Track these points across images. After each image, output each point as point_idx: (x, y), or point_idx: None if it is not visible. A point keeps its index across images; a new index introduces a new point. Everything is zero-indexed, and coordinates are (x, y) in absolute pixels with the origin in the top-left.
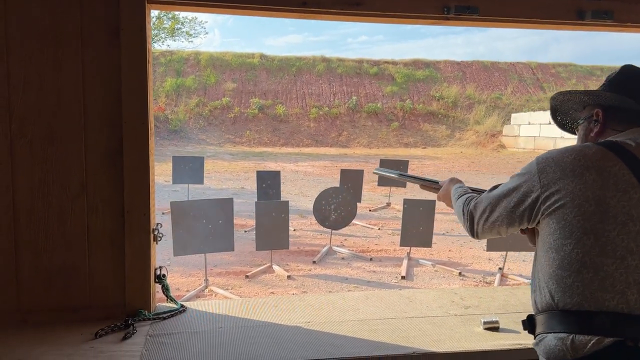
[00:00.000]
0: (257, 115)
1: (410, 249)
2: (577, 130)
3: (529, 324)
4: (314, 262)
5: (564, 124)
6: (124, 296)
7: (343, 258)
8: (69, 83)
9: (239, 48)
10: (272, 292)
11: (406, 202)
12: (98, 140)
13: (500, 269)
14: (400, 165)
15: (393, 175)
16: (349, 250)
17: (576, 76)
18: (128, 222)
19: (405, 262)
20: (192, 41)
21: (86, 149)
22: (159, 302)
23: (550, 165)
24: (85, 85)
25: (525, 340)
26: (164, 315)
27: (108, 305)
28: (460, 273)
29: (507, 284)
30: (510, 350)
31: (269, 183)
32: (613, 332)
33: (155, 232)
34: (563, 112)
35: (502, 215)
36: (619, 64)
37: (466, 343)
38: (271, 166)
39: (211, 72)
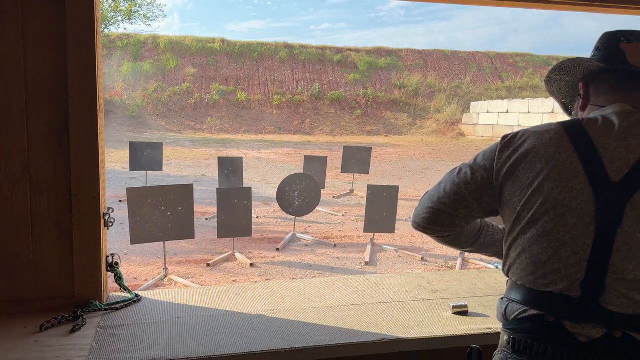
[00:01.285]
0: (218, 102)
1: (374, 235)
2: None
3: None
4: (278, 249)
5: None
6: (73, 286)
7: (307, 245)
8: (9, 55)
9: (199, 33)
10: (235, 280)
11: (370, 188)
12: (42, 117)
13: (461, 253)
14: (363, 152)
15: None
16: (312, 237)
17: (533, 66)
18: (76, 206)
19: (368, 248)
20: (150, 25)
21: (28, 127)
22: (112, 292)
23: (509, 149)
24: (27, 57)
25: (495, 324)
26: (117, 306)
27: (55, 296)
28: (422, 258)
29: (469, 268)
30: (480, 335)
31: (231, 169)
32: (537, 306)
33: (107, 217)
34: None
35: (455, 188)
36: (574, 54)
37: (435, 328)
38: (233, 153)
39: (170, 56)
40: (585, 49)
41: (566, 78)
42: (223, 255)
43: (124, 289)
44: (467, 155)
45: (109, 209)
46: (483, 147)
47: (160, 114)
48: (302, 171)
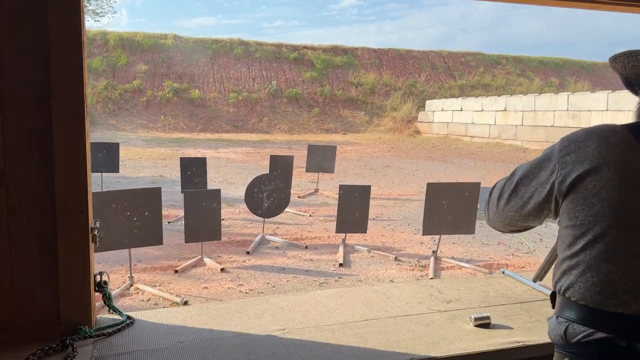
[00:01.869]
0: (171, 100)
1: (345, 236)
2: None
3: (552, 299)
4: (248, 252)
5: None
6: (58, 310)
7: (277, 247)
8: None
9: (148, 29)
10: (206, 287)
11: (342, 188)
12: (19, 120)
13: (434, 252)
14: (328, 151)
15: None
16: (282, 238)
17: (484, 64)
18: (61, 221)
19: (341, 248)
20: (99, 20)
21: (3, 130)
22: (98, 314)
23: (571, 153)
24: (4, 51)
25: (521, 337)
26: (109, 331)
27: (39, 323)
28: (396, 258)
29: (441, 267)
30: (509, 349)
31: (194, 170)
32: (606, 329)
33: (95, 232)
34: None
35: (516, 204)
36: (520, 52)
37: (462, 344)
38: (190, 153)
39: (121, 53)
40: (529, 48)
41: (636, 63)
42: (191, 261)
43: (114, 310)
44: (423, 152)
45: (95, 221)
46: (439, 144)
47: (111, 113)
48: (263, 171)
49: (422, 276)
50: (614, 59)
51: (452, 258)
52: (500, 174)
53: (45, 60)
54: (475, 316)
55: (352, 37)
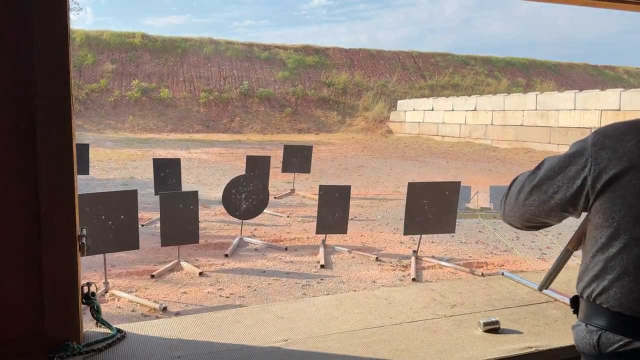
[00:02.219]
0: (140, 99)
1: (325, 236)
2: None
3: (574, 305)
4: (226, 255)
5: None
6: (43, 325)
7: (256, 249)
8: None
9: (115, 28)
10: (185, 292)
11: (322, 188)
12: (2, 121)
13: (414, 251)
14: (304, 151)
15: None
16: (261, 240)
17: (453, 65)
18: (46, 228)
19: (321, 250)
20: None
21: None
22: (86, 329)
23: (607, 148)
24: None
25: (532, 341)
26: (99, 346)
27: (22, 338)
28: (377, 258)
29: (422, 267)
30: (522, 355)
31: (167, 172)
32: None
33: (83, 240)
34: None
35: (539, 199)
36: (486, 53)
37: (474, 351)
38: (161, 153)
39: (87, 52)
40: (495, 48)
41: None
42: (167, 265)
43: (103, 323)
44: (396, 152)
45: (82, 229)
46: (411, 144)
47: (77, 113)
48: (237, 171)
49: (404, 276)
50: None
51: (433, 257)
52: (472, 172)
53: (28, 57)
54: (484, 321)
55: (323, 37)
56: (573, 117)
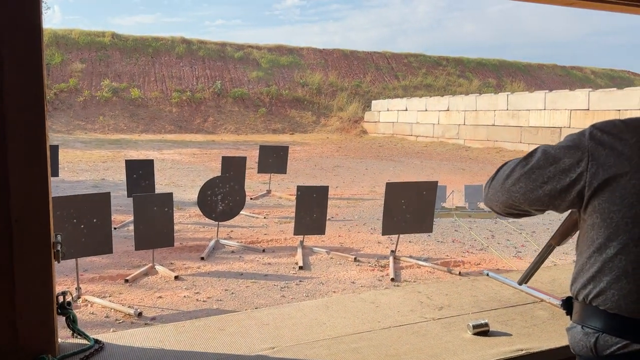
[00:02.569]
0: (111, 99)
1: (303, 237)
2: None
3: (567, 306)
4: (202, 258)
5: None
6: (16, 337)
7: (233, 251)
8: None
9: (83, 26)
10: (160, 297)
11: (299, 189)
12: None
13: (392, 251)
14: (280, 152)
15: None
16: (238, 242)
17: (425, 65)
18: (18, 235)
19: (299, 251)
20: None
21: None
22: (61, 339)
23: (605, 145)
24: None
25: (522, 343)
26: (76, 358)
27: None
28: (355, 258)
29: (400, 267)
30: (514, 357)
31: (140, 173)
32: None
33: (58, 247)
34: None
35: (526, 187)
36: (457, 54)
37: (465, 355)
38: (133, 154)
39: (55, 51)
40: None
41: None
42: (142, 269)
43: (80, 334)
44: (371, 152)
45: (57, 235)
46: (385, 144)
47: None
48: (211, 172)
49: (383, 276)
50: None
51: (411, 257)
52: (446, 172)
53: None
54: (473, 323)
55: (296, 37)
56: (543, 116)
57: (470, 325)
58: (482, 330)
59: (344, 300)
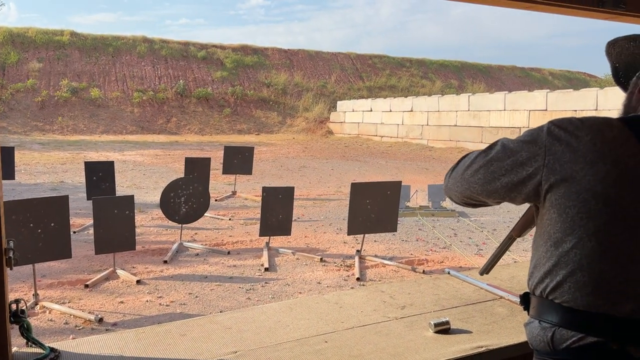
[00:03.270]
0: (70, 100)
1: (269, 239)
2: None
3: (524, 301)
4: (165, 261)
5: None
6: None
7: (197, 254)
8: None
9: (41, 25)
10: (122, 302)
11: (265, 190)
12: None
13: (358, 251)
14: (245, 152)
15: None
16: (202, 245)
17: (389, 67)
18: None
19: (265, 252)
20: None
21: None
22: (16, 348)
23: (561, 141)
24: None
25: (482, 340)
26: None
27: None
28: (321, 259)
29: (366, 266)
30: (474, 355)
31: (100, 175)
32: (597, 332)
33: (10, 254)
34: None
35: (484, 178)
36: (421, 55)
37: (427, 353)
38: (93, 156)
39: (10, 49)
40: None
41: (635, 51)
42: (102, 274)
43: (35, 343)
44: (337, 152)
45: (9, 241)
46: (351, 144)
47: (1, 114)
48: (175, 174)
49: (348, 276)
50: (613, 44)
51: (376, 256)
52: (411, 171)
53: None
54: (435, 322)
55: (261, 37)
56: (503, 117)
57: (432, 323)
58: (444, 328)
59: (307, 301)
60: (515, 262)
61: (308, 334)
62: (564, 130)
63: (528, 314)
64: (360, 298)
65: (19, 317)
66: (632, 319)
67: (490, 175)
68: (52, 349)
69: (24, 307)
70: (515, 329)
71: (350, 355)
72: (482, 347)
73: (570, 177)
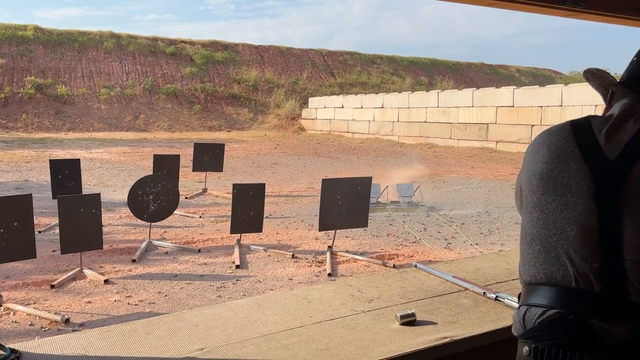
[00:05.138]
0: (34, 96)
1: (240, 236)
2: None
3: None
4: (134, 260)
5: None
6: None
7: (167, 252)
8: None
9: (3, 19)
10: (89, 302)
11: (236, 187)
12: None
13: (329, 247)
14: (216, 149)
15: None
16: (172, 243)
17: (360, 63)
18: None
19: (236, 249)
20: None
21: None
22: None
23: (530, 146)
24: None
25: (447, 331)
26: None
27: None
28: (293, 255)
29: (337, 262)
30: (439, 346)
31: (66, 174)
32: (557, 305)
33: None
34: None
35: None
36: (391, 52)
37: (392, 345)
38: (58, 154)
39: None
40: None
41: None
42: (69, 274)
43: None
44: (309, 148)
45: None
46: (323, 141)
47: None
48: (143, 171)
49: (320, 272)
50: (588, 76)
51: (347, 252)
52: (381, 167)
53: None
54: (401, 314)
55: (231, 33)
56: (471, 113)
57: (398, 315)
58: (409, 320)
59: (276, 297)
60: (481, 253)
61: (276, 329)
62: (535, 138)
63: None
64: (329, 292)
65: None
66: (584, 289)
67: (518, 201)
68: (13, 350)
69: None
70: (479, 319)
71: (317, 349)
72: (446, 337)
73: (526, 167)
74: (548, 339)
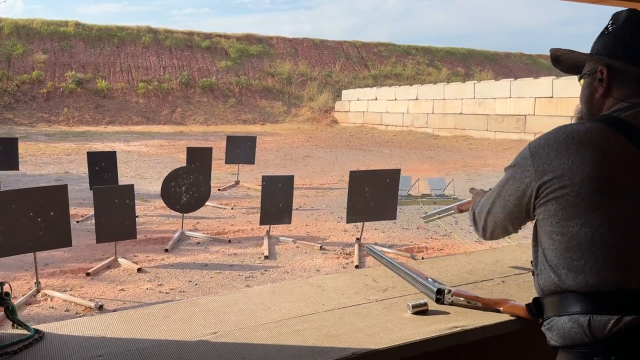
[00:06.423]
0: (75, 91)
1: (270, 227)
2: (581, 83)
3: (536, 307)
4: (167, 250)
5: (568, 70)
6: None
7: (198, 243)
8: None
9: (46, 16)
10: (123, 290)
11: (264, 178)
12: None
13: (357, 239)
14: (248, 142)
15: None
16: (203, 233)
17: (395, 55)
18: None
19: (265, 241)
20: None
21: None
22: (1, 330)
23: (543, 148)
24: None
25: (458, 321)
26: (14, 348)
27: None
28: (321, 247)
29: (365, 254)
30: (448, 335)
31: (103, 166)
32: (633, 310)
33: None
34: (564, 63)
35: (503, 212)
36: (426, 43)
37: (402, 332)
38: (98, 147)
39: (16, 41)
40: (436, 39)
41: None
42: (104, 262)
43: (20, 324)
44: (342, 141)
45: None
46: (356, 133)
47: (7, 106)
48: (179, 164)
49: (347, 264)
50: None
51: (376, 244)
52: (415, 160)
53: None
54: (413, 303)
55: (266, 26)
56: (509, 104)
57: (410, 305)
58: (421, 310)
59: (290, 285)
60: (500, 246)
61: (288, 316)
62: (543, 139)
63: (542, 319)
64: (344, 281)
65: (3, 300)
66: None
67: (503, 206)
68: (37, 330)
69: (8, 290)
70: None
71: (327, 335)
72: (457, 327)
73: (559, 168)
74: (635, 347)
